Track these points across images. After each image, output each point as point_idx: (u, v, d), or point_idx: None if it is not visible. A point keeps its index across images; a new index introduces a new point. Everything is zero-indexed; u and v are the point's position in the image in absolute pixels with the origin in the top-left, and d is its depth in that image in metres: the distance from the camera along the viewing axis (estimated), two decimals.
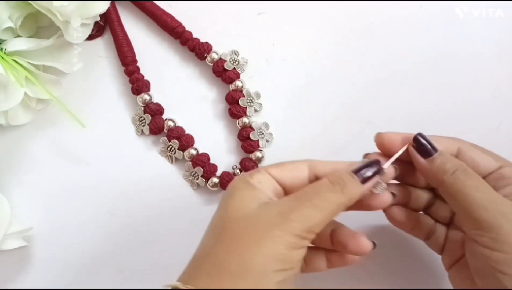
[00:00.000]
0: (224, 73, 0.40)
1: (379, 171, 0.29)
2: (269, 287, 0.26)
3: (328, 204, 0.28)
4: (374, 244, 0.30)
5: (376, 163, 0.30)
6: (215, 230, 0.28)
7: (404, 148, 0.31)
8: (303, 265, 0.32)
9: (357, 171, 0.29)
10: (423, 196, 0.34)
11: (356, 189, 0.29)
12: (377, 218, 0.40)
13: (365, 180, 0.29)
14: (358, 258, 0.31)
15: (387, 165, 0.30)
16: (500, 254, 0.27)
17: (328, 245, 0.31)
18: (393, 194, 0.31)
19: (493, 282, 0.28)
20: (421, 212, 0.34)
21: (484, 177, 0.30)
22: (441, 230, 0.34)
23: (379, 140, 0.32)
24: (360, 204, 0.30)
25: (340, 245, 0.31)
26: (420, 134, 0.31)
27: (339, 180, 0.28)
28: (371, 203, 0.30)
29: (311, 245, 0.29)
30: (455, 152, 0.31)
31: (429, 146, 0.30)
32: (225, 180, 0.39)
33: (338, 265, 0.32)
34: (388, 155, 0.31)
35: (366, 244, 0.30)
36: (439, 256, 0.34)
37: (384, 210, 0.33)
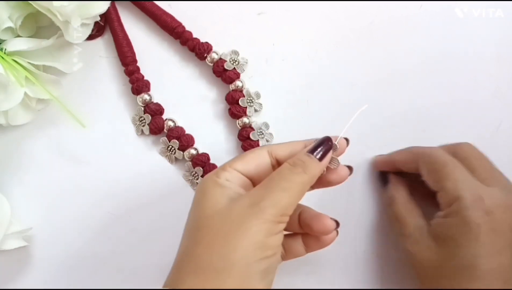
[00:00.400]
0: (224, 73, 0.40)
1: (331, 147, 0.31)
2: (254, 276, 0.27)
3: (294, 185, 0.29)
4: (337, 223, 0.32)
5: (328, 140, 0.32)
6: (192, 230, 0.29)
7: (350, 122, 0.33)
8: (283, 253, 0.33)
9: (312, 151, 0.31)
10: None
11: (316, 167, 0.30)
12: (377, 217, 0.40)
13: (321, 157, 0.31)
14: (331, 239, 0.33)
15: (338, 140, 0.32)
16: None
17: (297, 228, 0.33)
18: (349, 167, 0.32)
19: None
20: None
21: None
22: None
23: (375, 165, 0.38)
24: (321, 181, 0.32)
25: (307, 227, 0.32)
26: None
27: (299, 162, 0.30)
28: (331, 178, 0.32)
29: (286, 232, 0.30)
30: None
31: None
32: None
33: (315, 248, 0.33)
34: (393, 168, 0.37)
35: (329, 223, 0.32)
36: None
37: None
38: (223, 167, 0.31)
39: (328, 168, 0.31)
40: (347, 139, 0.33)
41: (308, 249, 0.34)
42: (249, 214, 0.27)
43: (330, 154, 0.31)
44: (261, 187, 0.29)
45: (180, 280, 0.27)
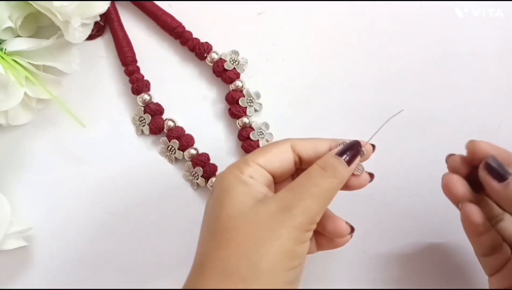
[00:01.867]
0: (224, 73, 0.40)
1: (359, 152, 0.30)
2: (281, 285, 0.26)
3: (325, 191, 0.28)
4: (352, 228, 0.31)
5: (357, 144, 0.30)
6: (215, 232, 0.28)
7: (380, 127, 0.31)
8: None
9: (341, 154, 0.29)
10: (495, 207, 0.32)
11: (346, 171, 0.29)
12: (378, 217, 0.40)
13: (349, 162, 0.29)
14: (344, 242, 0.32)
15: (365, 145, 0.31)
16: None
17: None
18: (370, 174, 0.31)
19: None
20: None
21: None
22: (506, 251, 0.31)
23: (471, 148, 0.30)
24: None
25: (321, 227, 0.31)
26: (492, 157, 0.29)
27: (329, 165, 0.29)
28: (351, 184, 0.30)
29: None
30: None
31: (501, 170, 0.29)
32: None
33: (327, 248, 0.32)
34: (474, 163, 0.30)
35: (343, 227, 0.31)
36: (440, 258, 0.34)
37: (461, 207, 0.31)
38: (246, 161, 0.29)
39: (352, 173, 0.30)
40: (373, 146, 0.31)
41: (320, 247, 0.33)
42: (279, 221, 0.26)
43: (358, 159, 0.30)
44: (290, 191, 0.28)
45: (203, 283, 0.26)
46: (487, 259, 0.31)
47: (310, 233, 0.28)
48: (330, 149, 0.31)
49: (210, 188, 0.40)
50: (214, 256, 0.26)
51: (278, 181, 0.31)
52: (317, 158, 0.30)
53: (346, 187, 0.31)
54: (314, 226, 0.28)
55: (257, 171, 0.29)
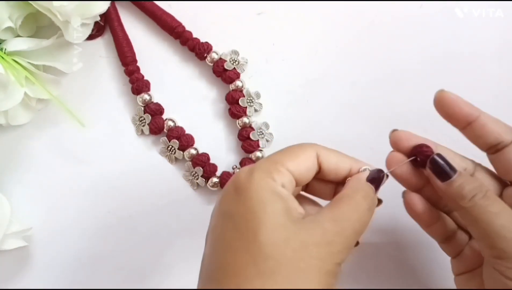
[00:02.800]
0: (224, 73, 0.40)
1: (383, 180, 0.29)
2: None
3: (364, 227, 0.27)
4: (357, 242, 0.30)
5: (382, 172, 0.29)
6: (253, 255, 0.25)
7: (408, 160, 0.30)
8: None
9: (371, 181, 0.29)
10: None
11: (375, 202, 0.28)
12: (378, 217, 0.40)
13: (375, 187, 0.29)
14: None
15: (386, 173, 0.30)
16: None
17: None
18: (379, 200, 0.30)
19: None
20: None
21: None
22: (462, 237, 0.32)
23: (394, 138, 0.31)
24: None
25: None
26: (438, 155, 0.29)
27: (368, 197, 0.28)
28: None
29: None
30: (471, 169, 0.30)
31: (447, 168, 0.28)
32: (225, 180, 0.39)
33: None
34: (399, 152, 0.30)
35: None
36: (439, 257, 0.34)
37: (404, 197, 0.31)
38: (276, 166, 0.27)
39: None
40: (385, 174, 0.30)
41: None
42: (323, 257, 0.25)
43: (380, 187, 0.29)
44: (332, 220, 0.26)
45: None
46: (444, 245, 0.32)
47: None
48: (350, 169, 0.29)
49: (210, 188, 0.40)
50: (258, 284, 0.24)
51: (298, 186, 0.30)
52: (335, 174, 0.29)
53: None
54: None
55: (287, 179, 0.27)
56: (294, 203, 0.27)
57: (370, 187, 0.28)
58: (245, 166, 0.28)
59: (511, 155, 0.29)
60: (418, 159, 0.30)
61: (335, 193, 0.31)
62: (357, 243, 0.29)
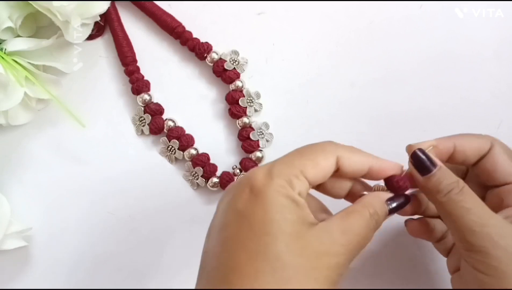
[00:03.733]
0: (224, 73, 0.40)
1: (404, 206, 0.30)
2: None
3: (367, 242, 0.28)
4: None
5: (408, 198, 0.30)
6: (270, 262, 0.25)
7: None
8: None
9: (390, 200, 0.29)
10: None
11: (382, 221, 0.29)
12: None
13: (391, 212, 0.29)
14: None
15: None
16: (487, 278, 0.27)
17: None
18: None
19: None
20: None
21: (499, 186, 0.31)
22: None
23: (409, 151, 0.31)
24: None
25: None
26: (419, 149, 0.30)
27: (376, 215, 0.28)
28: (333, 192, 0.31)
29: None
30: (486, 151, 0.31)
31: (427, 162, 0.29)
32: (225, 180, 0.39)
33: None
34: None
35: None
36: (439, 257, 0.34)
37: (406, 224, 0.34)
38: (295, 173, 0.27)
39: None
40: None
41: (350, 198, 0.31)
42: (334, 273, 0.26)
43: (395, 213, 0.30)
44: (341, 230, 0.26)
45: None
46: (436, 244, 0.34)
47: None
48: (369, 167, 0.29)
49: (210, 188, 0.40)
50: (267, 281, 0.25)
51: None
52: (352, 173, 0.29)
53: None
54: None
55: (305, 187, 0.27)
56: (307, 210, 0.27)
57: (384, 207, 0.29)
58: (261, 167, 0.28)
59: (488, 165, 0.31)
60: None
61: (348, 194, 0.31)
62: None
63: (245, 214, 0.26)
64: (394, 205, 0.29)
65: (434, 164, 0.29)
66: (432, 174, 0.29)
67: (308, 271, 0.25)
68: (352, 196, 0.30)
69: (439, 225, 0.33)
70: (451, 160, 0.32)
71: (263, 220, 0.26)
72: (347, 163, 0.28)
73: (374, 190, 0.31)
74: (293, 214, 0.26)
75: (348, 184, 0.30)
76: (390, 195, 0.29)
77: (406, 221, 0.33)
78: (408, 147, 0.31)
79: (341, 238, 0.26)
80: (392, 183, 0.30)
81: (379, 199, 0.29)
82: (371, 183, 0.31)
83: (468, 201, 0.28)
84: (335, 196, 0.31)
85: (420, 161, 0.29)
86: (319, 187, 0.31)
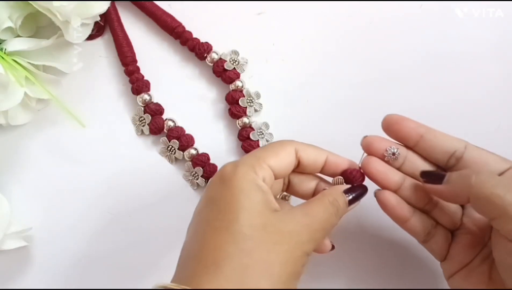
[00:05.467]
0: (224, 73, 0.40)
1: (363, 196, 0.32)
2: None
3: (330, 228, 0.30)
4: (333, 246, 0.33)
5: (364, 188, 0.32)
6: (234, 234, 0.28)
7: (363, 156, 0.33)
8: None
9: (348, 192, 0.31)
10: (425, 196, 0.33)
11: (344, 212, 0.31)
12: (377, 218, 0.40)
13: (351, 202, 0.31)
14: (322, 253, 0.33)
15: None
16: None
17: None
18: (332, 246, 0.33)
19: None
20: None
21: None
22: (443, 234, 0.33)
23: (365, 144, 0.33)
24: None
25: None
26: (423, 171, 0.32)
27: (335, 202, 0.30)
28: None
29: None
30: (462, 149, 0.32)
31: (436, 172, 0.31)
32: None
33: None
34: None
35: (325, 245, 0.33)
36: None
37: (377, 196, 0.33)
38: (259, 162, 0.30)
39: None
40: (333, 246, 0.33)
41: None
42: (294, 246, 0.28)
43: (357, 204, 0.32)
44: (305, 217, 0.29)
45: (221, 284, 0.26)
46: (427, 245, 0.33)
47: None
48: (326, 160, 0.32)
49: None
50: (236, 262, 0.27)
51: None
52: (313, 166, 0.32)
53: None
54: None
55: (268, 174, 0.30)
56: (272, 197, 0.30)
57: (343, 197, 0.31)
58: (230, 161, 0.31)
59: (468, 163, 0.31)
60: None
61: (314, 193, 0.34)
62: (333, 247, 0.33)
63: (214, 199, 0.29)
64: (352, 195, 0.31)
65: (442, 172, 0.31)
66: (447, 177, 0.30)
67: (270, 245, 0.27)
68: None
69: (423, 218, 0.33)
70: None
71: (229, 201, 0.28)
72: (305, 155, 0.32)
73: (334, 184, 0.33)
74: (257, 196, 0.29)
75: (313, 182, 0.33)
76: (347, 186, 0.32)
77: (376, 192, 0.33)
78: (364, 140, 0.33)
79: (303, 218, 0.29)
80: (347, 175, 0.32)
81: (337, 189, 0.31)
82: None
83: (497, 180, 0.28)
84: (303, 195, 0.34)
85: (431, 174, 0.31)
86: (288, 188, 0.34)
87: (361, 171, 0.32)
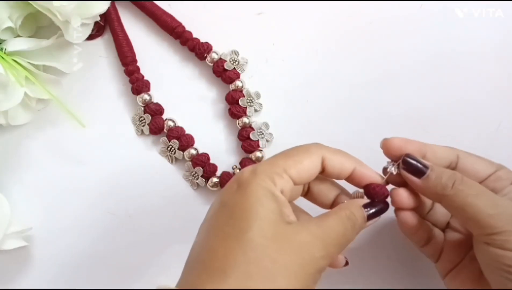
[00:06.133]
0: (224, 73, 0.40)
1: (384, 212, 0.30)
2: None
3: (346, 243, 0.29)
4: (347, 262, 0.32)
5: (385, 204, 0.31)
6: (244, 243, 0.26)
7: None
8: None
9: (368, 206, 0.30)
10: (428, 201, 0.34)
11: (361, 227, 0.30)
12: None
13: (369, 218, 0.30)
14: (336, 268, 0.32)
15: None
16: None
17: None
18: (346, 261, 0.32)
19: (503, 279, 0.28)
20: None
21: (482, 181, 0.31)
22: (438, 235, 0.34)
23: (386, 146, 0.32)
24: None
25: None
26: (408, 155, 0.31)
27: (353, 217, 0.29)
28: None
29: None
30: (455, 159, 0.32)
31: (419, 165, 0.30)
32: (225, 180, 0.39)
33: None
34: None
35: (339, 260, 0.32)
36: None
37: (396, 214, 0.33)
38: (279, 171, 0.28)
39: None
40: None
41: None
42: (307, 262, 0.27)
43: (376, 220, 0.30)
44: (320, 236, 0.27)
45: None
46: (423, 249, 0.34)
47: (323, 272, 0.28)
48: (353, 170, 0.31)
49: (210, 188, 0.40)
50: (241, 271, 0.26)
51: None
52: (338, 175, 0.31)
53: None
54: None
55: (287, 185, 0.29)
56: (288, 209, 0.28)
57: (361, 211, 0.30)
58: (249, 166, 0.29)
59: (467, 167, 0.32)
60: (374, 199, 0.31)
61: (333, 203, 0.32)
62: (347, 263, 0.32)
63: (228, 204, 0.28)
64: (372, 210, 0.30)
65: (425, 165, 0.30)
66: (427, 174, 0.30)
67: (276, 254, 0.26)
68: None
69: (425, 224, 0.33)
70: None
71: (242, 208, 0.27)
72: (331, 163, 0.30)
73: (353, 197, 0.32)
74: (272, 206, 0.27)
75: (333, 191, 0.32)
76: (366, 201, 0.30)
77: (396, 211, 0.32)
78: (383, 143, 0.32)
79: (317, 230, 0.27)
80: (369, 189, 0.31)
81: (355, 203, 0.30)
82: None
83: (473, 188, 0.29)
84: (322, 204, 0.32)
85: (412, 166, 0.31)
86: (307, 194, 0.33)
87: (385, 187, 0.31)
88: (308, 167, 0.29)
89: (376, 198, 0.31)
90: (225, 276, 0.26)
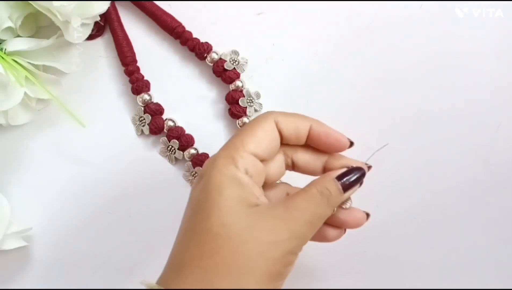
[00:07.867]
0: (224, 73, 0.40)
1: (361, 181, 0.29)
2: None
3: (319, 219, 0.27)
4: (368, 214, 0.30)
5: (361, 172, 0.29)
6: (200, 235, 0.26)
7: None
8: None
9: (340, 177, 0.28)
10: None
11: (338, 200, 0.28)
12: (378, 218, 0.40)
13: (346, 188, 0.28)
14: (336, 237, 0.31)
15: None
16: None
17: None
18: (367, 214, 0.30)
19: None
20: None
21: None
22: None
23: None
24: (334, 221, 0.30)
25: (332, 218, 0.30)
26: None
27: (326, 191, 0.27)
28: (344, 219, 0.30)
29: None
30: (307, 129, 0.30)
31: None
32: None
33: (321, 239, 0.31)
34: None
35: (360, 216, 0.30)
36: (440, 257, 0.34)
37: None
38: (237, 151, 0.27)
39: (340, 207, 0.29)
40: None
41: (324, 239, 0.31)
42: (272, 243, 0.25)
43: (356, 188, 0.29)
44: (286, 212, 0.26)
45: (177, 284, 0.25)
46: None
47: (297, 256, 0.27)
48: (310, 128, 0.29)
49: None
50: (196, 264, 0.25)
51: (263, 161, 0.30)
52: (296, 137, 0.29)
53: (341, 224, 0.30)
54: (301, 250, 0.27)
55: (250, 163, 0.27)
56: (254, 190, 0.27)
57: (334, 184, 0.28)
58: (211, 156, 0.29)
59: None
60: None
61: (324, 169, 0.31)
62: (368, 216, 0.30)
63: (191, 199, 0.28)
64: (344, 179, 0.28)
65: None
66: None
67: (235, 244, 0.25)
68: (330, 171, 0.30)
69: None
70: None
71: (202, 200, 0.26)
72: (285, 126, 0.29)
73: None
74: (231, 191, 0.26)
75: (319, 159, 0.30)
76: (339, 172, 0.29)
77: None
78: None
79: (282, 212, 0.26)
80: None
81: (327, 177, 0.28)
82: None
83: None
84: (313, 173, 0.31)
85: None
86: (295, 168, 0.31)
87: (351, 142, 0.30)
88: (263, 136, 0.28)
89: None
90: (180, 272, 0.25)
